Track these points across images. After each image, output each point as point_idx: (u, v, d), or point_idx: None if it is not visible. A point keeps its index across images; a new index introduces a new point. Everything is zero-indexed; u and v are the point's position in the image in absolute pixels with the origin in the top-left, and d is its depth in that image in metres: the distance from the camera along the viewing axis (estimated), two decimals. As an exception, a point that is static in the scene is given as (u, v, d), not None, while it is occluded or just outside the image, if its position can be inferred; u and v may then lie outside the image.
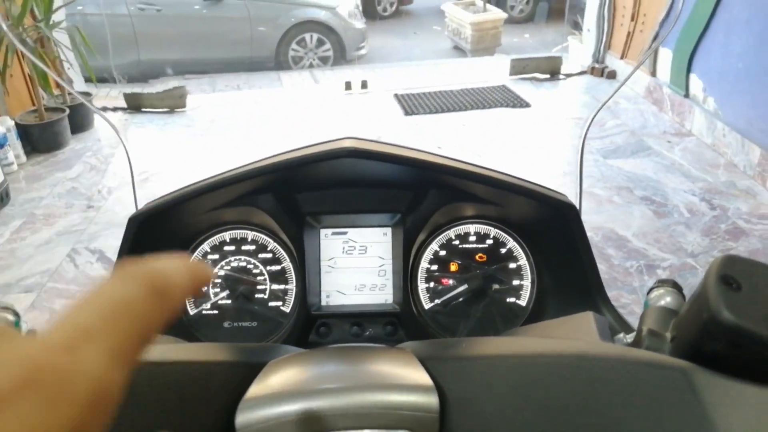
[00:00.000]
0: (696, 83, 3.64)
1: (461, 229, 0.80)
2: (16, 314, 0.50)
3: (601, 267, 2.47)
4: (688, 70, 3.67)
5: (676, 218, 2.74)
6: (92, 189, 3.18)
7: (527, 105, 4.25)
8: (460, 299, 0.79)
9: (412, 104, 4.36)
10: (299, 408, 0.37)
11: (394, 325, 0.79)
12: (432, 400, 0.37)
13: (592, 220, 2.70)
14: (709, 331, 0.32)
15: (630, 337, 0.43)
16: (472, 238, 0.80)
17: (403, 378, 0.40)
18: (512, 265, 0.79)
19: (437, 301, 0.80)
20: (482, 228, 0.80)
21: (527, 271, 0.79)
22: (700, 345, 0.34)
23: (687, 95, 3.71)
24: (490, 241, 0.80)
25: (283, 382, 0.39)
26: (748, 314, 0.31)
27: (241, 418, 0.37)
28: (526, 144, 3.64)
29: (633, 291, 2.28)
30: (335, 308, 0.79)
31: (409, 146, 0.72)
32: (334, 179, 0.78)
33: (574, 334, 0.46)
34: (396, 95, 4.57)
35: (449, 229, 0.80)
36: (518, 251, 0.79)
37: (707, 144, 3.44)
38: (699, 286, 0.34)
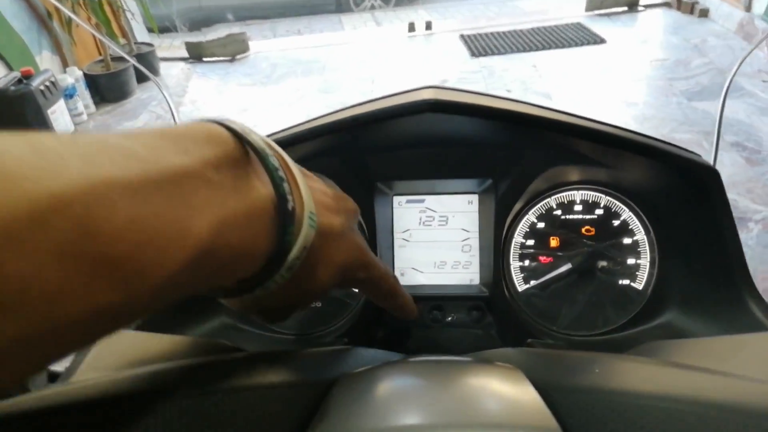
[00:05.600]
0: (800, 15, 3.26)
1: (564, 196, 0.66)
2: None
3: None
4: (792, 0, 3.29)
5: (771, 166, 2.50)
6: (158, 139, 3.18)
7: (602, 41, 3.96)
8: (562, 281, 0.66)
9: (480, 45, 4.13)
10: None
11: (480, 310, 0.68)
12: None
13: (675, 169, 2.49)
14: None
15: None
16: (578, 208, 0.66)
17: (519, 416, 0.28)
18: (627, 241, 0.65)
19: (533, 282, 0.67)
20: (591, 195, 0.66)
21: (646, 249, 0.65)
22: None
23: (789, 29, 3.34)
24: (600, 212, 0.66)
25: (358, 415, 0.28)
26: None
27: None
28: (601, 86, 3.38)
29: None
30: (411, 289, 0.68)
31: (499, 95, 0.59)
32: (410, 138, 0.66)
33: (761, 365, 0.33)
34: (462, 36, 4.34)
35: (549, 196, 0.67)
36: (635, 224, 0.65)
37: (811, 83, 3.10)
38: None
